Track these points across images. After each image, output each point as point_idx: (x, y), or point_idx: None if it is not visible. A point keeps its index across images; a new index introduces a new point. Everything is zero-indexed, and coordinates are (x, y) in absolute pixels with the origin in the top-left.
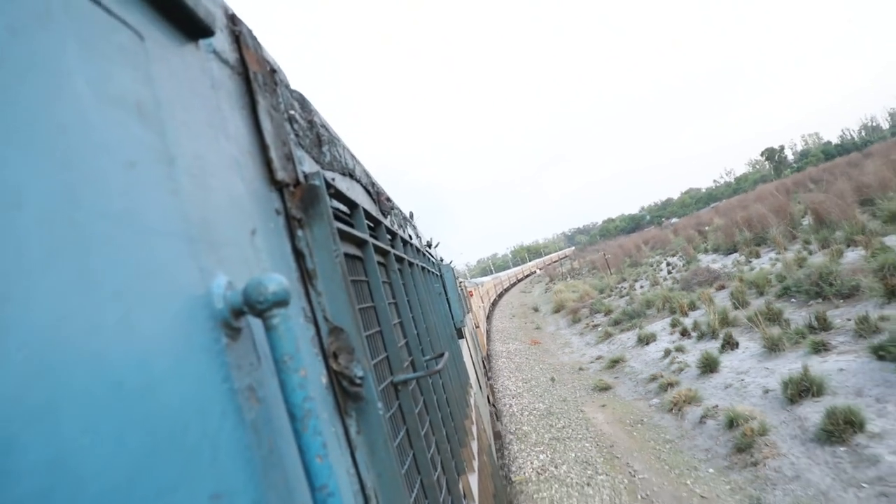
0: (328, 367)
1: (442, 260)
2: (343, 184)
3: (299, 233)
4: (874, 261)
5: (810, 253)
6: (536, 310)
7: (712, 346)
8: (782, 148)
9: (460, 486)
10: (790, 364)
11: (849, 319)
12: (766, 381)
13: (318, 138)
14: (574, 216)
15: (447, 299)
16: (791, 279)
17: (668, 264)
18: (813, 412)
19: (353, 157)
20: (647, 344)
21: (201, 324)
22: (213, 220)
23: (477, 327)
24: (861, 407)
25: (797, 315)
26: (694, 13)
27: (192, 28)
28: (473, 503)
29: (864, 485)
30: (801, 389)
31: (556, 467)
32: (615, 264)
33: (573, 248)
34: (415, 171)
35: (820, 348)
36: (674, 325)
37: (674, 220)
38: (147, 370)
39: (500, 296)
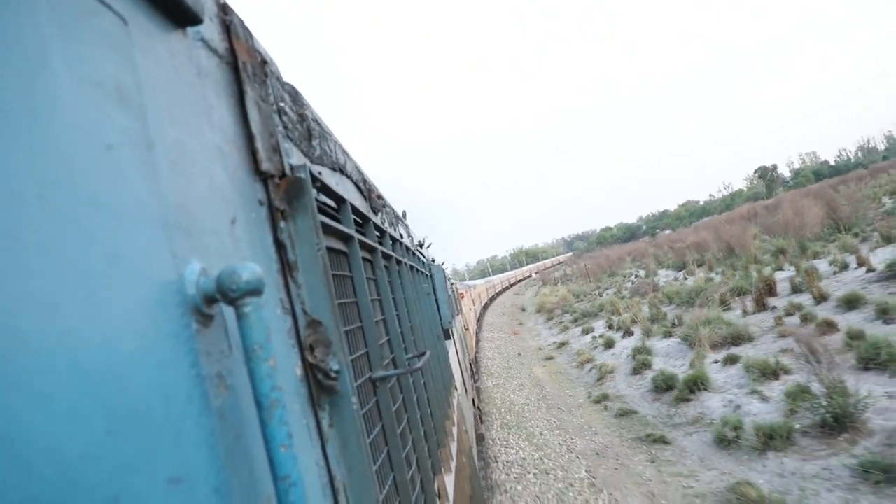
0: (304, 360)
1: (434, 260)
2: (332, 178)
3: (282, 224)
4: (728, 284)
5: (722, 275)
6: (524, 310)
7: (619, 335)
8: (775, 167)
9: (435, 486)
10: (650, 341)
11: (692, 319)
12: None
13: (309, 132)
14: (575, 221)
15: (436, 300)
16: (682, 293)
17: (636, 276)
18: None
19: (344, 152)
20: (587, 334)
21: (171, 309)
22: (190, 207)
23: (466, 329)
24: (653, 358)
25: (673, 315)
26: (707, 16)
27: (180, 15)
28: (448, 503)
29: (640, 386)
30: (640, 351)
31: (504, 385)
32: (596, 273)
33: (571, 253)
34: (419, 171)
35: (669, 335)
36: (608, 322)
37: (667, 231)
38: (110, 351)
39: (492, 299)
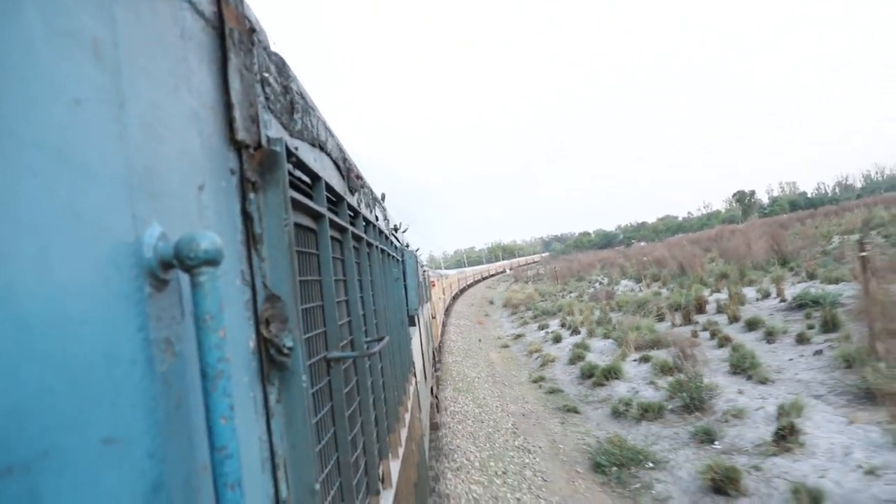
0: (258, 333)
1: (408, 245)
2: (309, 154)
3: (251, 196)
4: (670, 299)
5: (670, 290)
6: (492, 303)
7: (567, 333)
8: (752, 192)
9: (380, 470)
10: (591, 340)
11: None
12: (578, 346)
13: (292, 105)
14: (555, 222)
15: (405, 285)
16: (631, 303)
17: (599, 283)
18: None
19: (327, 129)
20: (542, 329)
21: (125, 270)
22: (158, 169)
23: (434, 318)
24: (588, 353)
25: (617, 320)
26: (717, 38)
27: None
28: (391, 488)
29: (571, 373)
30: (579, 346)
31: (462, 362)
32: (565, 276)
33: (547, 253)
34: (406, 152)
35: (607, 336)
36: (562, 321)
37: (642, 243)
38: (57, 306)
39: (463, 290)
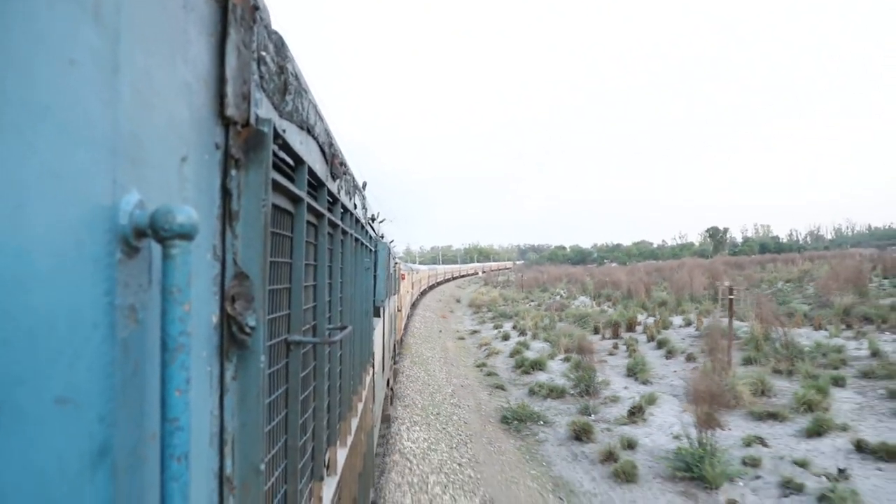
0: (223, 309)
1: (383, 236)
2: (296, 137)
3: (233, 172)
4: (611, 317)
5: (616, 309)
6: (458, 301)
7: (516, 333)
8: (725, 230)
9: (326, 456)
10: (533, 342)
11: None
12: (520, 344)
13: (285, 85)
14: (534, 231)
15: (375, 276)
16: (576, 316)
17: (559, 295)
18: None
19: (317, 113)
20: (496, 328)
21: (99, 234)
22: (143, 138)
23: (399, 311)
24: (527, 350)
25: (560, 328)
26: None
27: None
28: (335, 475)
29: (509, 363)
30: (521, 344)
31: (421, 345)
32: (531, 285)
33: (522, 262)
34: (396, 144)
35: (547, 340)
36: (514, 324)
37: (613, 264)
38: (25, 263)
39: (432, 287)
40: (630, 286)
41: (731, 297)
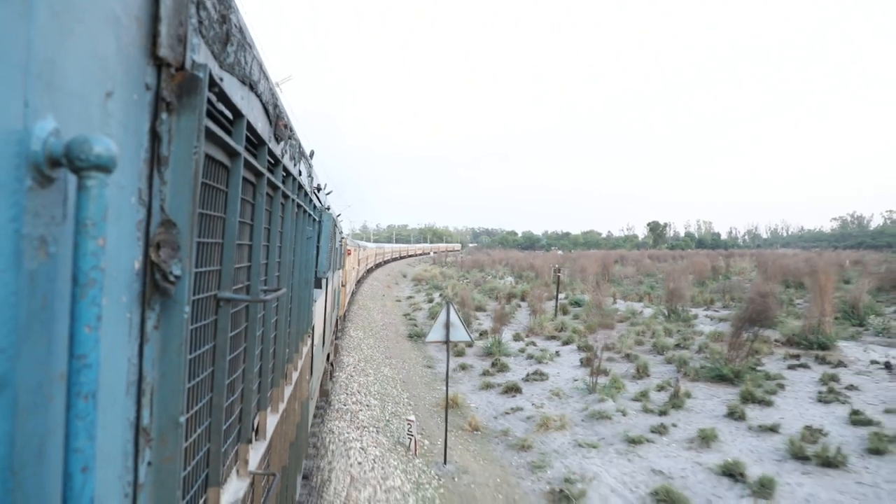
0: (146, 256)
1: (328, 208)
2: (236, 91)
3: (164, 115)
4: (510, 290)
5: (523, 284)
6: (405, 276)
7: (438, 298)
8: (665, 225)
9: (254, 420)
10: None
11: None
12: (438, 304)
13: (227, 36)
14: (490, 215)
15: (317, 246)
16: (489, 288)
17: (490, 275)
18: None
19: (262, 70)
20: (427, 295)
21: (6, 158)
22: (62, 64)
23: (343, 286)
24: (441, 309)
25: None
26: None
27: None
28: (264, 440)
29: (426, 315)
30: (438, 305)
31: (367, 304)
32: (470, 266)
33: (474, 244)
34: (356, 115)
35: (464, 303)
36: (441, 293)
37: (559, 251)
38: None
39: (378, 265)
40: (537, 269)
41: (559, 276)
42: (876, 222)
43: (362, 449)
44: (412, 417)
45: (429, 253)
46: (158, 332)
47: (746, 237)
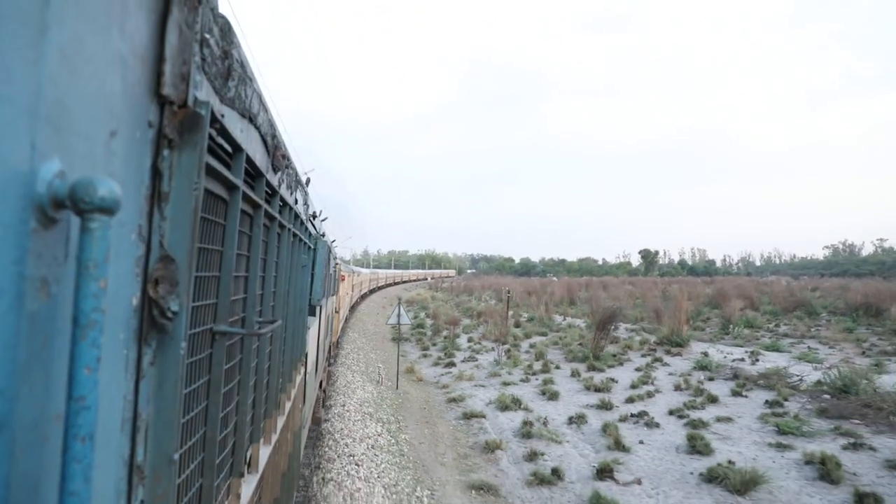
0: (144, 292)
1: (324, 235)
2: (236, 124)
3: (165, 152)
4: (481, 308)
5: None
6: (400, 299)
7: (423, 315)
8: (656, 252)
9: (248, 453)
10: (428, 319)
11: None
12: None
13: (229, 71)
14: (490, 241)
15: (312, 274)
16: (468, 308)
17: (476, 299)
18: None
19: (262, 103)
20: (415, 314)
21: (12, 200)
22: (69, 105)
23: (336, 312)
24: (427, 321)
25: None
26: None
27: None
28: (256, 473)
29: (412, 326)
30: (421, 319)
31: (365, 319)
32: (459, 290)
33: (472, 270)
34: (354, 140)
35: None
36: (426, 312)
37: (554, 277)
38: None
39: (372, 291)
40: (516, 294)
41: (508, 295)
42: (867, 250)
43: (353, 381)
44: (381, 366)
45: (426, 279)
46: (154, 369)
47: (741, 265)
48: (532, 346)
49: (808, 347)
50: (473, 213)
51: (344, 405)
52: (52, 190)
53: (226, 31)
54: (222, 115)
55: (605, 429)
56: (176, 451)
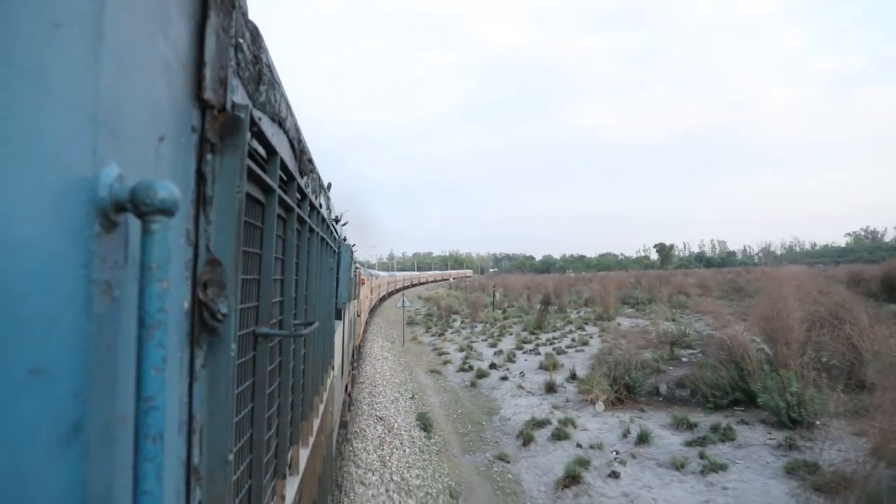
0: (194, 295)
1: (345, 239)
2: (269, 128)
3: (209, 157)
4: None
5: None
6: (420, 297)
7: (436, 308)
8: (671, 246)
9: (289, 455)
10: (437, 310)
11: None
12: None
13: (259, 76)
14: (513, 240)
15: (337, 278)
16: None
17: (489, 294)
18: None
19: (288, 107)
20: (428, 308)
21: (78, 205)
22: (123, 111)
23: (358, 316)
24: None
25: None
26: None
27: None
28: (297, 476)
29: (425, 317)
30: (432, 310)
31: (387, 313)
32: (476, 288)
33: (494, 269)
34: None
35: (456, 313)
36: (439, 306)
37: (572, 274)
38: (1, 230)
39: (391, 294)
40: (516, 289)
41: (494, 288)
42: (890, 235)
43: (375, 341)
44: (394, 334)
45: (447, 279)
46: (206, 371)
47: (761, 255)
48: (504, 323)
49: (693, 319)
50: (498, 212)
51: (371, 349)
52: (113, 194)
53: (255, 35)
54: (259, 119)
55: (509, 355)
56: (230, 452)
